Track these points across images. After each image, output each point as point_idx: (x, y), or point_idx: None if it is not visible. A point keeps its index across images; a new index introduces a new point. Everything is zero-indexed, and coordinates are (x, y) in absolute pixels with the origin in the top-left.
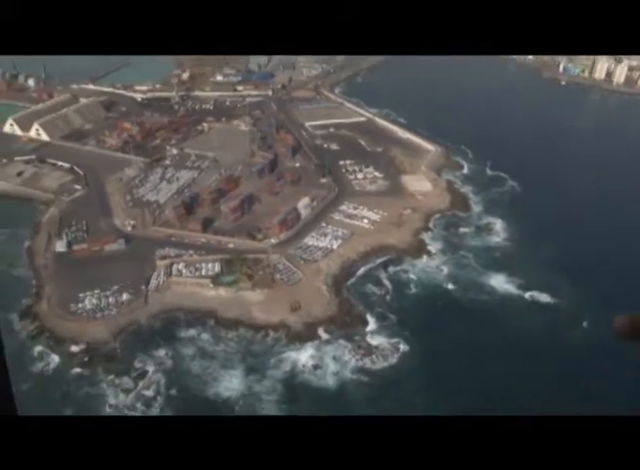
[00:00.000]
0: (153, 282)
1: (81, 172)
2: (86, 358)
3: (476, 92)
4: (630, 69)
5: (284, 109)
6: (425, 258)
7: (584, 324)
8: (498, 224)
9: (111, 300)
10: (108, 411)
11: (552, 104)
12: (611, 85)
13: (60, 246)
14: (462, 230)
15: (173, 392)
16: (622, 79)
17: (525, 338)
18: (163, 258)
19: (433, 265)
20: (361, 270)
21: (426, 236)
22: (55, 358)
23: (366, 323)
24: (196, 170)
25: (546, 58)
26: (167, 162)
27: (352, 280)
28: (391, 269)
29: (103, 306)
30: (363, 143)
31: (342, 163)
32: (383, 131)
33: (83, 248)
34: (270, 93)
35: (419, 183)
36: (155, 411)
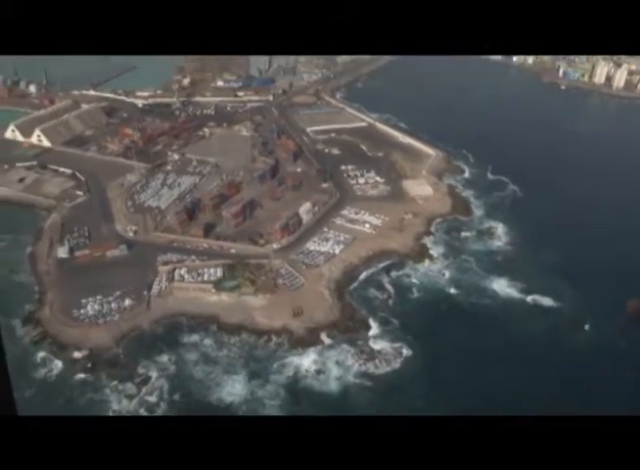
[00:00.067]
0: (155, 287)
1: (83, 178)
2: (89, 364)
3: (476, 96)
4: (630, 73)
5: (285, 114)
6: (427, 262)
7: (586, 327)
8: (500, 228)
9: (113, 305)
10: None
11: (552, 108)
12: (610, 89)
13: (62, 252)
14: (464, 234)
15: (176, 397)
16: (622, 84)
17: (527, 341)
18: (165, 263)
19: (435, 270)
20: (363, 275)
21: (427, 240)
22: (58, 364)
23: (369, 328)
24: (197, 176)
25: (546, 62)
26: (169, 167)
27: (355, 285)
28: (394, 274)
29: (105, 312)
30: (364, 148)
31: (343, 168)
32: (383, 136)
33: (85, 254)
34: (271, 98)
35: (420, 188)
36: None
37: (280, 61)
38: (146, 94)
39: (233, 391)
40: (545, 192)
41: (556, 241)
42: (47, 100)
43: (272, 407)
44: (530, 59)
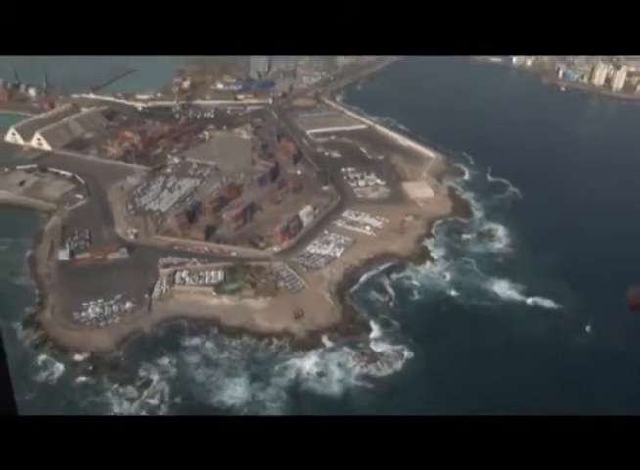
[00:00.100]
0: (156, 290)
1: (83, 181)
2: (90, 367)
3: (476, 98)
4: (629, 74)
5: (285, 117)
6: (427, 264)
7: (587, 329)
8: (500, 230)
9: (114, 308)
10: None
11: (552, 110)
12: (610, 91)
13: (62, 255)
14: (464, 236)
15: (177, 400)
16: (622, 85)
17: (528, 343)
18: (166, 266)
19: (435, 272)
20: (364, 277)
21: (428, 242)
22: (59, 367)
23: (370, 330)
24: (197, 179)
25: (546, 64)
26: (169, 170)
27: (355, 287)
28: (394, 276)
29: (106, 315)
30: (364, 151)
31: (343, 170)
32: (383, 139)
33: (86, 257)
34: (271, 101)
35: (420, 190)
36: None
37: (280, 64)
38: (146, 97)
39: (234, 393)
40: (545, 194)
41: (556, 243)
42: (47, 103)
43: (274, 410)
44: (530, 60)
